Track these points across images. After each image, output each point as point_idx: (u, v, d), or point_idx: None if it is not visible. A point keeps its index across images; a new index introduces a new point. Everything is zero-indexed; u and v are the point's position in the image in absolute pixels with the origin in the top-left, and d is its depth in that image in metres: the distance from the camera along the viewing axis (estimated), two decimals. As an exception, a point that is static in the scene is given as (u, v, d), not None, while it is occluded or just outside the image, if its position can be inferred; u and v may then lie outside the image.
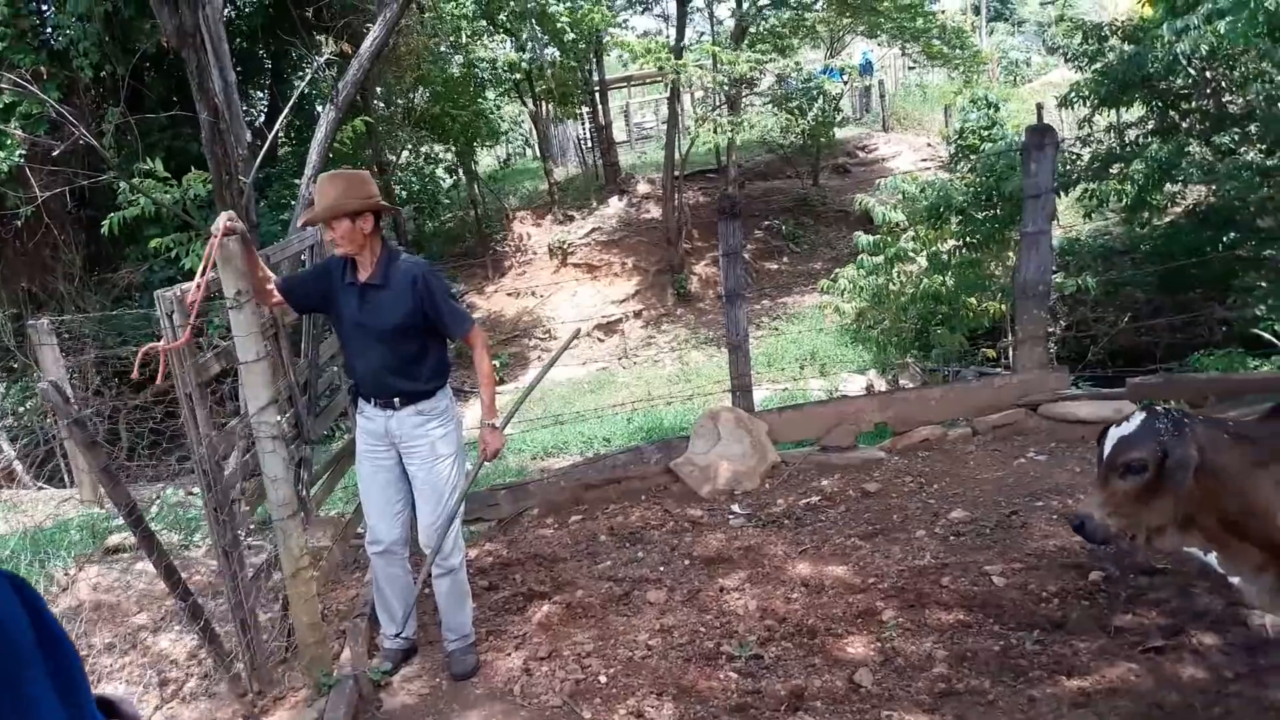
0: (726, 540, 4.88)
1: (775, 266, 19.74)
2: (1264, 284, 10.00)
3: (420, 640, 4.18)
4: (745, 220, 17.21)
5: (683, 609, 4.21)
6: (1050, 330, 11.93)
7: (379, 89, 17.43)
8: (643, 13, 22.96)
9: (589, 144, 24.04)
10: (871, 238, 11.16)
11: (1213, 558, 2.51)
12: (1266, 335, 9.37)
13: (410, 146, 19.09)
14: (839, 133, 22.29)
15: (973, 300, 10.47)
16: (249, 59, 15.45)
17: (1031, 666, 3.44)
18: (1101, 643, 3.54)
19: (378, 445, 3.75)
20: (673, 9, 20.15)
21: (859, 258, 11.22)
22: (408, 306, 3.57)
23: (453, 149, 19.97)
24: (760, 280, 18.93)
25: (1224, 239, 10.00)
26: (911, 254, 11.05)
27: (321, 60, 10.24)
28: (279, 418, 3.60)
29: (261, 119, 16.39)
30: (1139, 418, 2.43)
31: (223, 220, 3.27)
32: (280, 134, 14.59)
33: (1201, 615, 3.59)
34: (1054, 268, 12.32)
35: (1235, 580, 2.52)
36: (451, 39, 17.74)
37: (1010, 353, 8.45)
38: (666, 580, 4.51)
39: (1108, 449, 2.44)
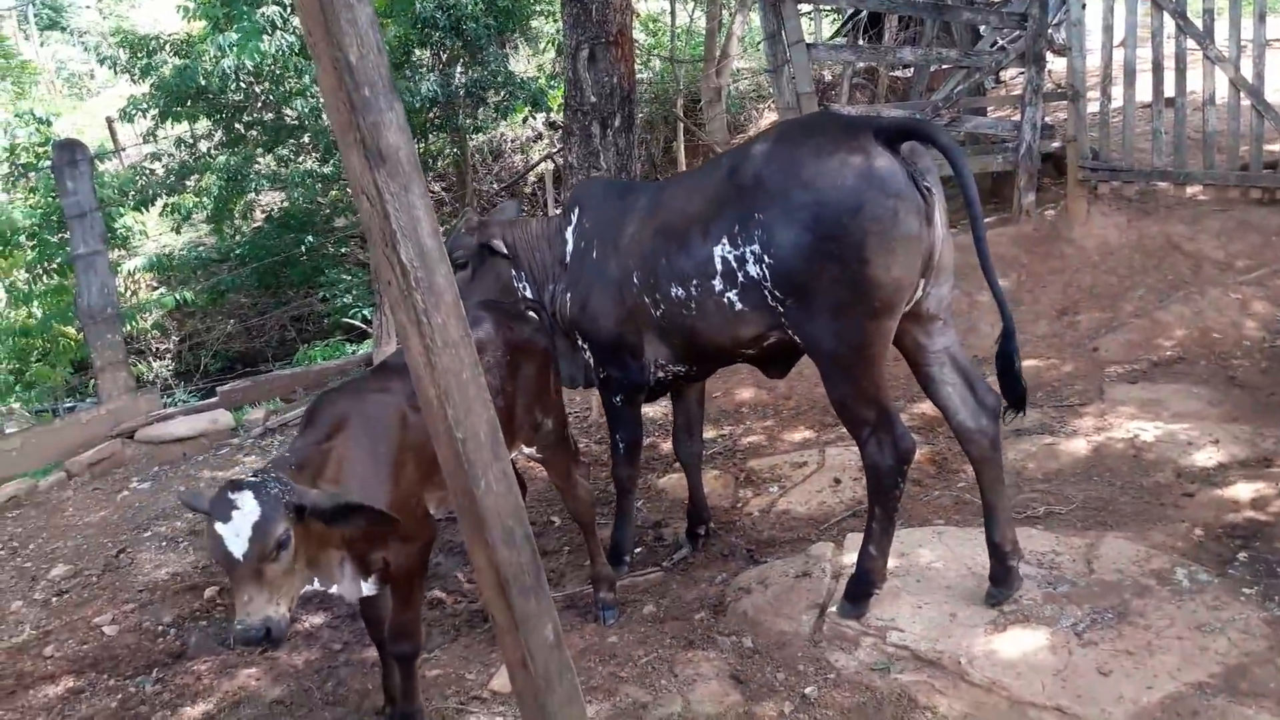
0: None
1: None
2: (348, 276, 11.15)
3: None
4: None
5: None
6: (165, 349, 11.66)
7: None
8: None
9: None
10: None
11: (316, 584, 2.59)
12: (358, 322, 10.49)
13: None
14: None
15: (71, 329, 9.59)
16: None
17: (154, 709, 3.28)
18: (222, 658, 3.54)
19: None
20: None
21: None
22: None
23: None
24: None
25: (306, 239, 10.81)
26: (-15, 287, 9.65)
27: None
28: None
29: None
30: (249, 498, 2.26)
31: None
32: None
33: (310, 599, 3.81)
34: (155, 284, 12.01)
35: (335, 589, 2.65)
36: None
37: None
38: None
39: (244, 544, 2.22)
